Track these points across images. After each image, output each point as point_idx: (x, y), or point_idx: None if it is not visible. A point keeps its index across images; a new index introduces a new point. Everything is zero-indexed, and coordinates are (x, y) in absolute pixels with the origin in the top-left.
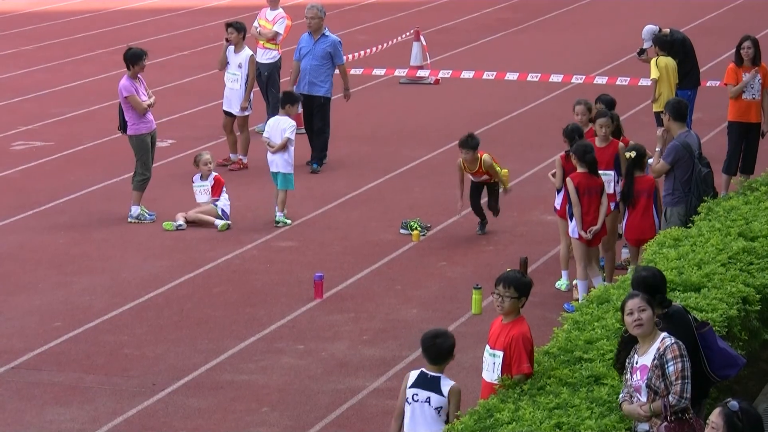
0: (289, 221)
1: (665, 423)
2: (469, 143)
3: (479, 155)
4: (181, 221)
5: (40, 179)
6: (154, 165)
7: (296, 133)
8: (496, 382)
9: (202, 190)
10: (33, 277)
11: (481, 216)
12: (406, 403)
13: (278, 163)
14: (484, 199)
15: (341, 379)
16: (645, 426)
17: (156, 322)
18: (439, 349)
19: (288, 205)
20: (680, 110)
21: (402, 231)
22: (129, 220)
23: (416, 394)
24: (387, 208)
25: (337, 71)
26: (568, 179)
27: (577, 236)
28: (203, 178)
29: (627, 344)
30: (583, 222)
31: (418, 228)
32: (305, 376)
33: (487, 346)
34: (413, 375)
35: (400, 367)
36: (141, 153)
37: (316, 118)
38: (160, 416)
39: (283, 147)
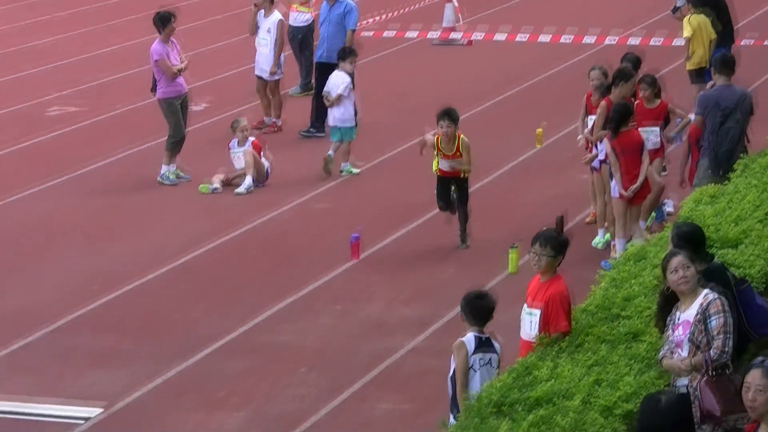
0: (355, 170)
1: (705, 378)
2: (452, 114)
3: (458, 134)
4: (217, 184)
5: (75, 145)
6: (188, 129)
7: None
8: (533, 340)
9: (239, 156)
10: (69, 242)
11: (451, 212)
12: (472, 371)
13: (335, 116)
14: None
15: (378, 339)
16: (684, 381)
17: (192, 285)
18: (487, 309)
19: (319, 168)
20: (724, 63)
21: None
22: (158, 179)
23: (482, 358)
24: (421, 169)
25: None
26: (605, 140)
27: (617, 195)
28: (240, 144)
29: (668, 301)
30: (622, 181)
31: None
32: (342, 337)
33: (525, 305)
34: (469, 341)
35: (437, 326)
36: (169, 116)
37: None
38: (198, 378)
39: (338, 100)
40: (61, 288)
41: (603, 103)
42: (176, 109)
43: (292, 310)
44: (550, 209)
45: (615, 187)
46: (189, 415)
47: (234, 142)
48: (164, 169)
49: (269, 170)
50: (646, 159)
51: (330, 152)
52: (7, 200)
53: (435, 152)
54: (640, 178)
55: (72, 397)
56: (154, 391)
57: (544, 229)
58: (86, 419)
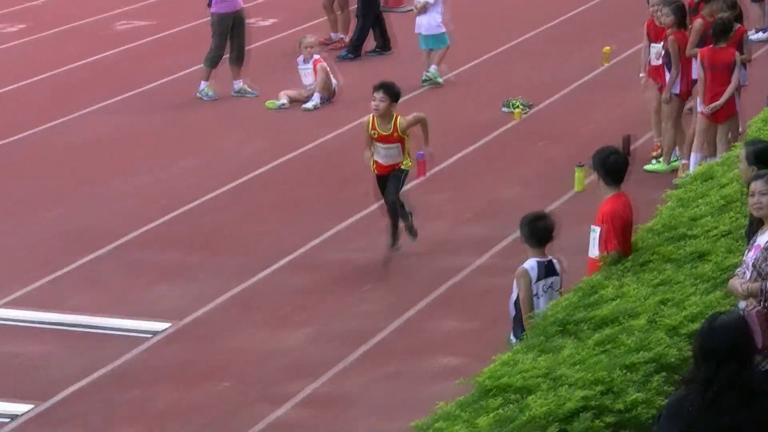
0: (439, 80)
1: (757, 308)
2: (390, 88)
3: (395, 115)
4: (284, 100)
5: (141, 60)
6: (256, 45)
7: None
8: (595, 258)
9: (306, 73)
10: (135, 158)
11: (395, 219)
12: (536, 297)
13: (422, 24)
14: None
15: (443, 257)
16: (743, 305)
17: (258, 201)
18: (547, 230)
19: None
20: None
21: (504, 110)
22: (197, 94)
23: (545, 284)
24: (486, 88)
25: None
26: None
27: (700, 110)
28: (306, 60)
29: (754, 222)
30: (704, 97)
31: (520, 106)
32: (407, 255)
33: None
34: (532, 268)
35: (502, 245)
36: (215, 33)
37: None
38: (263, 295)
39: (424, 9)
40: (128, 204)
41: (698, 20)
42: (225, 28)
43: (357, 228)
44: (616, 128)
45: (701, 102)
46: (254, 331)
47: (301, 58)
48: (202, 85)
49: (337, 87)
50: (735, 80)
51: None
52: (73, 116)
53: (370, 135)
54: (724, 97)
55: (139, 312)
56: (219, 307)
57: (603, 147)
58: (154, 333)
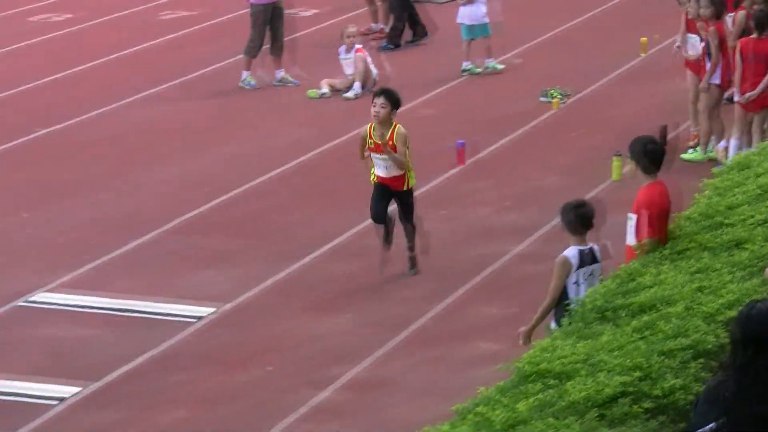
0: (500, 66)
1: None
2: (391, 95)
3: (394, 124)
4: (325, 89)
5: (185, 49)
6: (297, 35)
7: None
8: (631, 245)
9: (347, 63)
10: (180, 145)
11: (387, 231)
12: (577, 285)
13: (466, 14)
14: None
15: (484, 243)
16: None
17: (300, 189)
18: (587, 217)
19: (426, 75)
20: None
21: (542, 99)
22: (239, 84)
23: (585, 271)
24: (525, 77)
25: None
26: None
27: (737, 100)
28: (347, 50)
29: None
30: (741, 87)
31: (559, 96)
32: (448, 241)
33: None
34: (573, 257)
35: (541, 232)
36: (256, 22)
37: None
38: (306, 281)
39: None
40: (172, 190)
41: (741, 12)
42: (263, 19)
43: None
44: (654, 117)
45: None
46: (297, 316)
47: (342, 48)
48: (244, 74)
49: (378, 76)
50: None
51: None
52: (119, 103)
53: (367, 145)
54: (760, 87)
55: (184, 296)
56: (263, 292)
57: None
58: (198, 318)
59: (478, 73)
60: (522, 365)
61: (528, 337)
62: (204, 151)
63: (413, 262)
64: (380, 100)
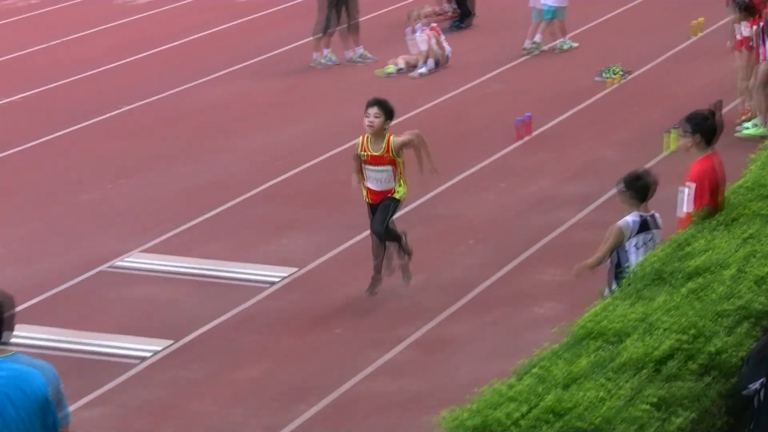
0: (575, 44)
1: None
2: (384, 105)
3: (388, 135)
4: (394, 68)
5: (260, 30)
6: (371, 15)
7: None
8: (686, 216)
9: (416, 42)
10: (254, 121)
11: (380, 252)
12: (635, 248)
13: None
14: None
15: (544, 213)
16: None
17: None
18: (647, 187)
19: (493, 54)
20: None
21: (596, 78)
22: (311, 64)
23: (643, 238)
24: (584, 56)
25: None
26: None
27: None
28: (416, 30)
29: None
30: None
31: (620, 72)
32: (510, 211)
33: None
34: (629, 224)
35: (599, 203)
36: (325, 4)
37: None
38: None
39: None
40: (250, 163)
41: None
42: (330, 2)
43: (463, 185)
44: (706, 94)
45: None
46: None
47: (409, 29)
48: (315, 55)
49: (449, 54)
50: None
51: (537, 38)
52: (197, 82)
53: (361, 159)
54: None
55: (260, 262)
56: (335, 258)
57: (701, 110)
58: (274, 282)
59: (544, 51)
60: (582, 324)
61: (579, 273)
62: (278, 127)
63: (406, 271)
64: (373, 111)
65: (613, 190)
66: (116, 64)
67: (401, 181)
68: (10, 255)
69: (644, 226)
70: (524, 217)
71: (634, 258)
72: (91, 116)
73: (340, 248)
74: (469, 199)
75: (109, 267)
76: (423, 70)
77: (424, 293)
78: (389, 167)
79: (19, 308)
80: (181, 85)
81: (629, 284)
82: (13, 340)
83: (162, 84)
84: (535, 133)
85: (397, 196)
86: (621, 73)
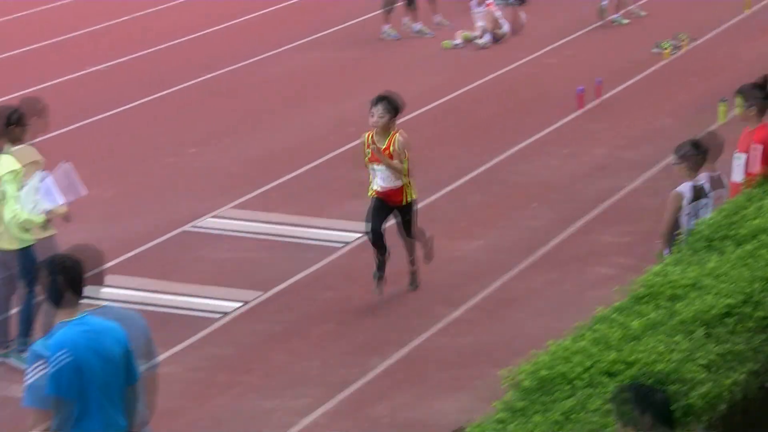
0: (624, 21)
1: None
2: (391, 101)
3: (393, 132)
4: (458, 40)
5: (339, 2)
6: None
7: None
8: (741, 182)
9: (479, 16)
10: (330, 88)
11: (381, 250)
12: (689, 215)
13: None
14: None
15: (602, 179)
16: None
17: (439, 128)
18: (705, 154)
19: (551, 27)
20: None
21: (654, 50)
22: (380, 36)
23: (702, 202)
24: (642, 29)
25: None
26: None
27: None
28: (479, 4)
29: None
30: None
31: (685, 38)
32: (569, 177)
33: (735, 151)
34: (685, 191)
35: (656, 169)
36: None
37: None
38: (444, 209)
39: None
40: (322, 129)
41: None
42: None
43: (525, 152)
44: (758, 67)
45: None
46: (437, 239)
47: (475, 2)
48: (384, 27)
49: (507, 31)
50: None
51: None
52: (273, 52)
53: (366, 157)
54: None
55: (334, 223)
56: None
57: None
58: (346, 243)
59: (625, 24)
60: (636, 287)
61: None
62: (350, 94)
63: (413, 278)
64: (378, 110)
65: (667, 159)
66: (202, 33)
67: (408, 179)
68: (100, 215)
69: (699, 193)
70: (585, 182)
71: (689, 223)
72: (174, 84)
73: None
74: (532, 165)
75: (190, 228)
76: (483, 40)
77: (488, 254)
78: (392, 162)
79: (107, 265)
80: (264, 53)
81: (685, 247)
82: (101, 295)
83: (246, 52)
84: (597, 101)
85: (410, 199)
86: (685, 38)
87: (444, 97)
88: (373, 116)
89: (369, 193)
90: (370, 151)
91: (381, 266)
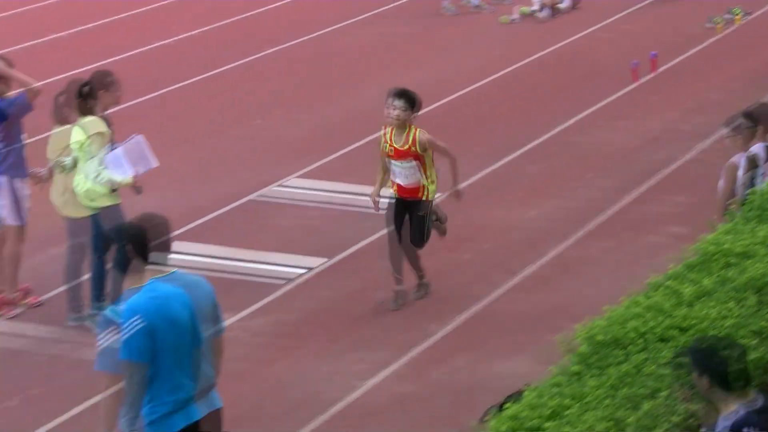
0: None
1: None
2: (410, 97)
3: (413, 127)
4: (516, 15)
5: None
6: None
7: None
8: None
9: None
10: (389, 62)
11: (397, 264)
12: (743, 185)
13: None
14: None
15: (656, 150)
16: None
17: (496, 100)
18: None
19: (607, 4)
20: None
21: (707, 25)
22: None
23: (751, 174)
24: (696, 3)
25: None
26: None
27: None
28: None
29: None
30: None
31: (740, 12)
32: (624, 148)
33: None
34: (741, 160)
35: (710, 141)
36: None
37: None
38: (503, 179)
39: None
40: (382, 101)
41: None
42: None
43: (581, 124)
44: None
45: None
46: (494, 210)
47: None
48: (444, 2)
49: (565, 6)
50: None
51: None
52: (336, 26)
53: (385, 153)
54: None
55: None
56: (469, 186)
57: None
58: None
59: None
60: (689, 256)
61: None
62: (410, 68)
63: (426, 289)
64: (399, 103)
65: (720, 131)
66: (260, 10)
67: (431, 176)
68: (170, 183)
69: (754, 163)
70: (640, 153)
71: (743, 193)
72: (237, 58)
73: (472, 179)
74: (587, 136)
75: (256, 197)
76: (543, 14)
77: (546, 223)
78: (414, 162)
79: (175, 232)
80: (322, 29)
81: (738, 216)
82: (169, 261)
83: (304, 28)
84: (652, 75)
85: (428, 197)
86: (740, 12)
87: (501, 70)
88: (394, 110)
89: (390, 186)
90: (391, 146)
91: (399, 279)
